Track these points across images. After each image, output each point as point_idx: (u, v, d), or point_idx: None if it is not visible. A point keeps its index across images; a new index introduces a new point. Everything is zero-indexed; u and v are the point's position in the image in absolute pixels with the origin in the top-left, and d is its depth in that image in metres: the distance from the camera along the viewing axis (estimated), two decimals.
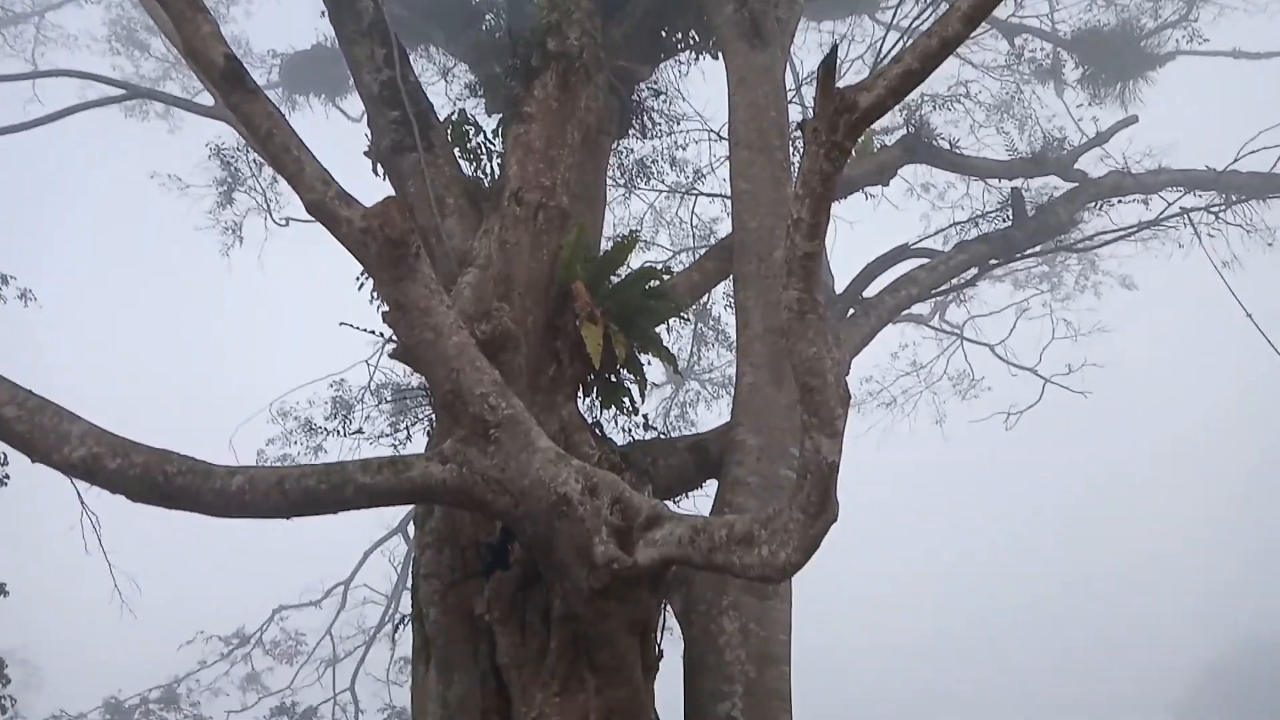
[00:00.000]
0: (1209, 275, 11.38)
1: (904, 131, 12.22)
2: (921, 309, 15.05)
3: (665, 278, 8.93)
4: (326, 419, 12.79)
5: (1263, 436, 47.96)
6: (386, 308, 6.08)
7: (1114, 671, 49.47)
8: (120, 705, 15.86)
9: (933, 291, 11.53)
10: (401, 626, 9.48)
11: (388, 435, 12.35)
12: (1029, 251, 12.26)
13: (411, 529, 9.55)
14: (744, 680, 6.56)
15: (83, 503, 7.95)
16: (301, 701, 16.99)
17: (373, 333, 7.72)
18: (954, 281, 11.67)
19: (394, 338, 6.90)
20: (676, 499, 8.31)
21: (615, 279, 7.93)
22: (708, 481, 8.10)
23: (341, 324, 7.91)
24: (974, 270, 11.65)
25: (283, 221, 13.12)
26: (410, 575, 8.40)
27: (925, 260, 11.06)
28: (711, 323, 16.30)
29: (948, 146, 12.17)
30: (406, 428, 11.36)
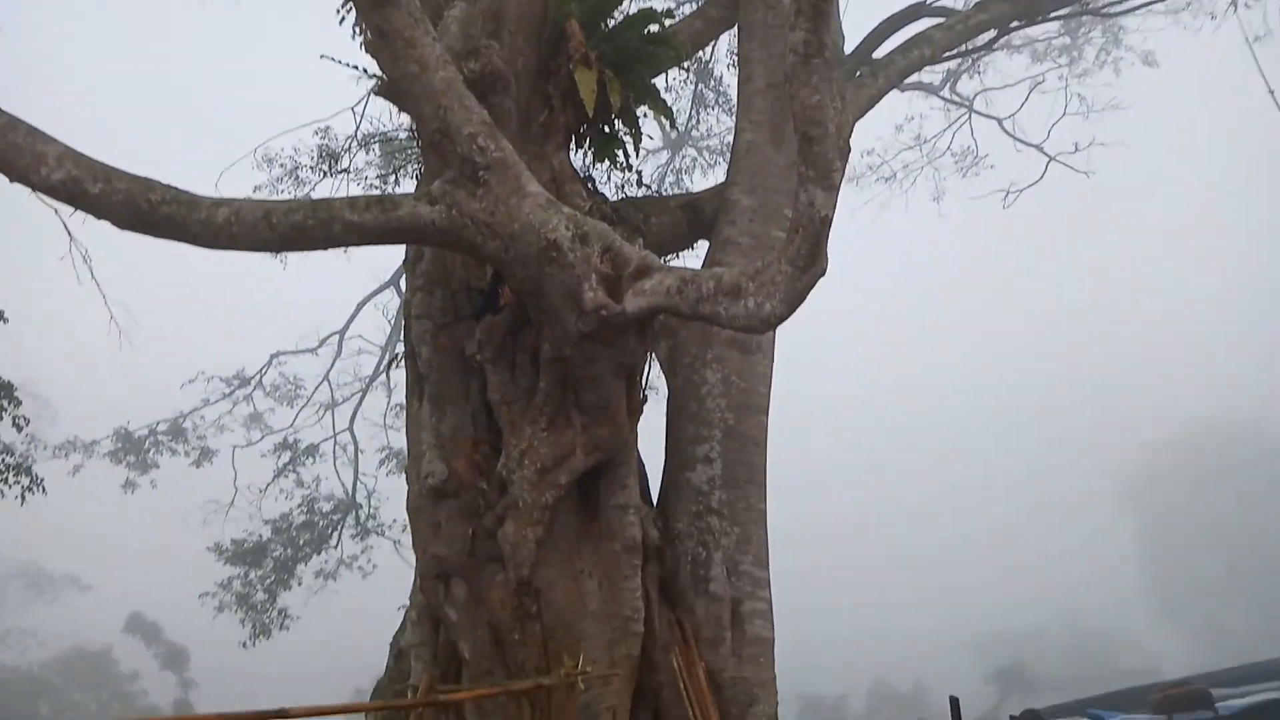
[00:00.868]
0: (1235, 54, 10.82)
1: None
2: (932, 78, 14.37)
3: (666, 23, 8.36)
4: (313, 168, 12.50)
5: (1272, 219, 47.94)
6: (369, 35, 5.75)
7: (1075, 460, 52.17)
8: (130, 436, 16.70)
9: (946, 54, 10.89)
10: (395, 365, 9.77)
11: (376, 188, 12.13)
12: (1055, 14, 11.48)
13: (404, 281, 9.62)
14: (723, 426, 6.91)
15: (69, 233, 7.89)
16: (304, 439, 17.95)
17: (355, 68, 7.34)
18: (971, 45, 11.05)
19: (379, 73, 6.59)
20: (666, 258, 8.33)
21: (612, 21, 7.44)
22: (699, 241, 8.08)
23: (323, 57, 7.52)
24: (992, 33, 10.99)
25: None
26: (403, 317, 8.56)
27: (942, 20, 10.39)
28: (712, 83, 15.53)
29: None
30: (395, 173, 11.10)
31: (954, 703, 4.39)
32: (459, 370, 6.43)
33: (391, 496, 18.26)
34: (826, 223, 4.71)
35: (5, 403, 8.44)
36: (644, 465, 6.93)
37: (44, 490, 9.04)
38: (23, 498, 8.77)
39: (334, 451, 17.48)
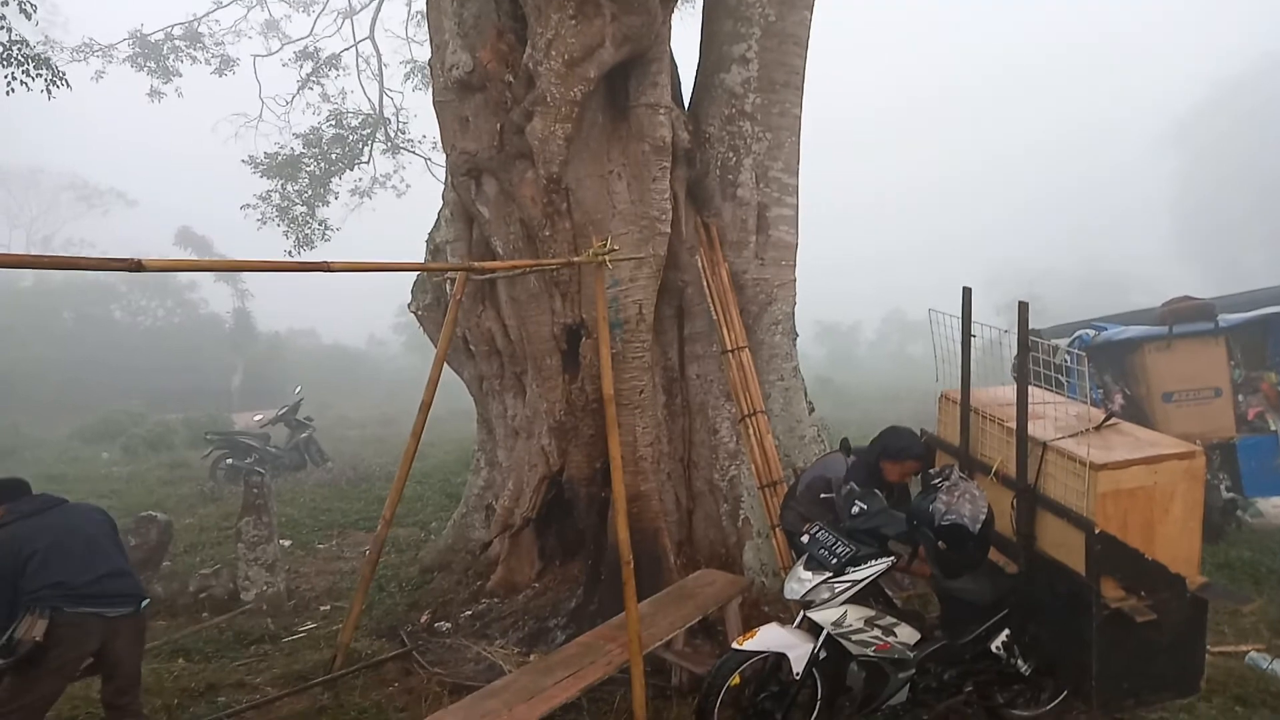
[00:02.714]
0: None
1: None
2: None
3: None
4: None
5: None
6: None
7: (1127, 94, 48.99)
8: (146, 40, 16.07)
9: None
10: None
11: None
12: None
13: None
14: (763, 24, 6.47)
15: None
16: (324, 49, 17.25)
17: None
18: None
19: None
20: None
21: None
22: None
23: None
24: None
25: None
26: None
27: None
28: None
29: None
30: None
31: (966, 293, 4.55)
32: None
33: (420, 113, 17.96)
34: None
35: None
36: (676, 64, 6.62)
37: (68, 85, 8.87)
38: (48, 92, 8.66)
39: (356, 64, 16.85)
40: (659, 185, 6.19)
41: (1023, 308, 4.24)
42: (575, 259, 4.34)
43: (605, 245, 3.93)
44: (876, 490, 4.43)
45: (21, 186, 42.25)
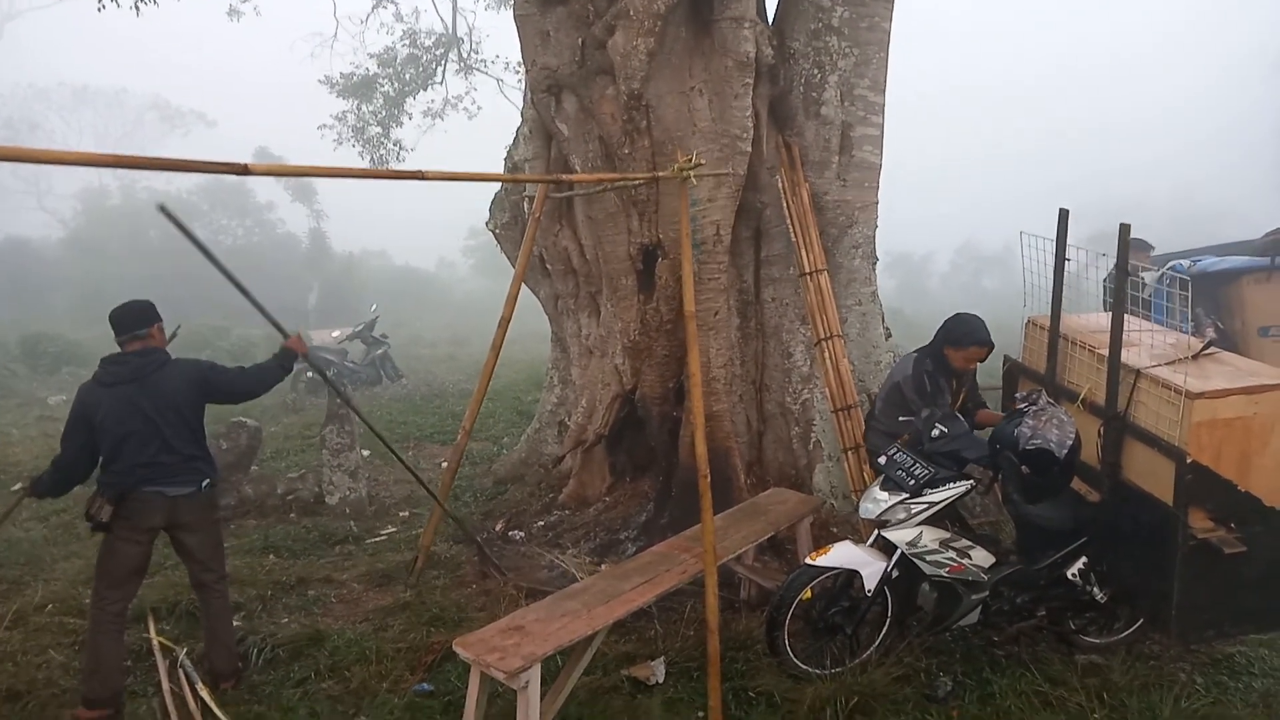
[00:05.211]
0: None
1: None
2: None
3: None
4: None
5: None
6: None
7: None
8: None
9: None
10: None
11: None
12: None
13: None
14: None
15: None
16: None
17: None
18: None
19: None
20: None
21: None
22: None
23: None
24: None
25: None
26: None
27: None
28: None
29: None
30: None
31: (1063, 215, 4.39)
32: None
33: (493, 33, 17.83)
34: None
35: None
36: None
37: (155, 1, 8.99)
38: (136, 8, 8.79)
39: None
40: (741, 102, 6.06)
41: (1124, 230, 4.08)
42: (659, 174, 4.30)
43: (690, 160, 3.89)
44: (957, 414, 4.39)
45: (107, 107, 43.38)
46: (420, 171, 3.27)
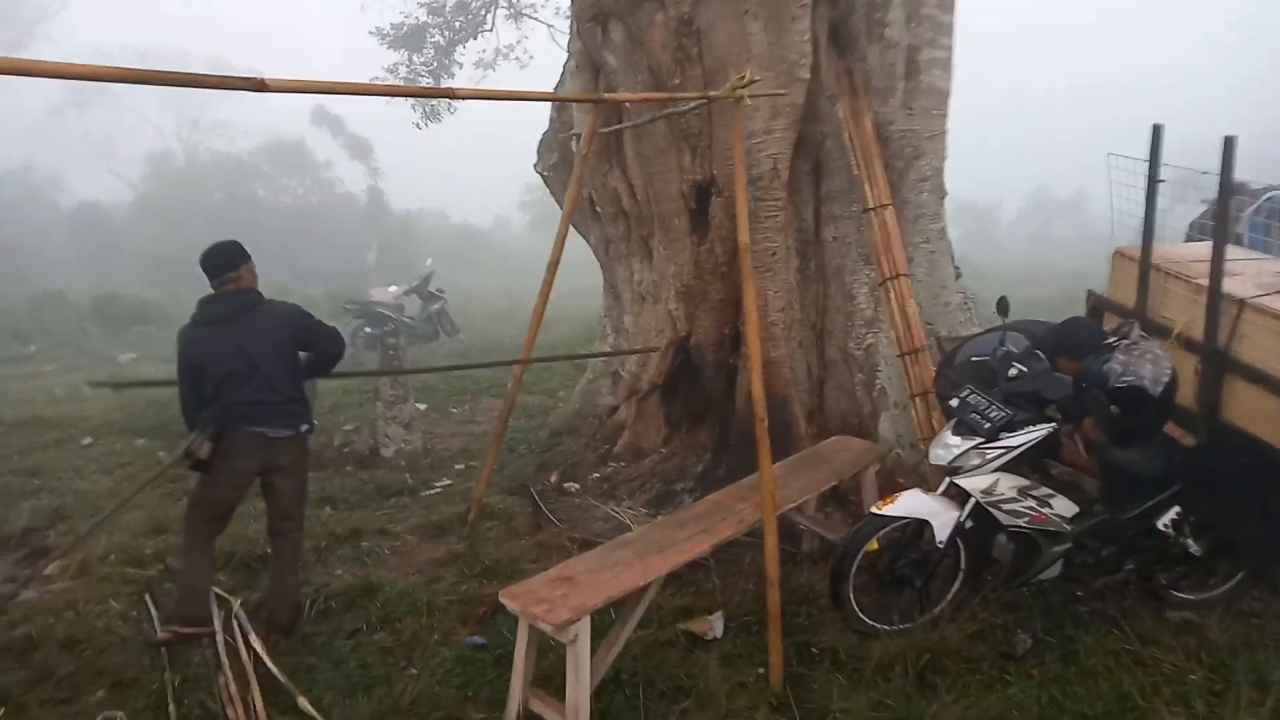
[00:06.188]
0: None
1: None
2: None
3: None
4: None
5: None
6: None
7: None
8: None
9: None
10: None
11: None
12: None
13: None
14: None
15: None
16: None
17: None
18: None
19: None
20: None
21: None
22: None
23: None
24: None
25: None
26: None
27: None
28: None
29: None
30: None
31: (1156, 131, 3.97)
32: None
33: None
34: None
35: None
36: None
37: None
38: None
39: None
40: (798, 25, 5.66)
41: (1228, 143, 3.66)
42: (711, 94, 4.00)
43: (744, 79, 3.58)
44: (1038, 350, 4.04)
45: (169, 69, 44.05)
46: (451, 90, 3.07)
